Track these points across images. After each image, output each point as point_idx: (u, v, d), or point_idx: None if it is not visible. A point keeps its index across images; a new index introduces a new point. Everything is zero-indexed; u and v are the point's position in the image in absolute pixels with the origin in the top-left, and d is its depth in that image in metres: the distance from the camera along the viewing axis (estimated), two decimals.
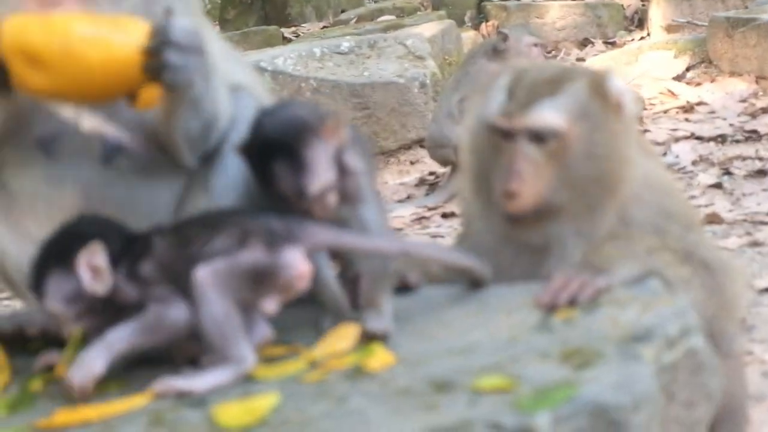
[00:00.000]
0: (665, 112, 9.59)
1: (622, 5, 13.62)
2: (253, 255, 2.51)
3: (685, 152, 8.17)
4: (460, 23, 13.23)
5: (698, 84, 10.15)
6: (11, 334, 2.90)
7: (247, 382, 2.48)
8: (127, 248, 2.59)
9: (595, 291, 2.64)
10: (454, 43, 10.73)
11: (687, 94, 9.87)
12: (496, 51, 8.44)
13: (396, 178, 8.99)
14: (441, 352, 2.50)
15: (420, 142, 9.08)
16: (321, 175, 2.66)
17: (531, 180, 2.84)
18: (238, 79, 3.08)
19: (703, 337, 2.51)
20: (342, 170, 2.72)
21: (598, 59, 11.09)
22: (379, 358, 2.50)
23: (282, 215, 2.59)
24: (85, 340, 2.57)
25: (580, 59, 11.89)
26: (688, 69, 10.46)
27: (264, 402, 2.37)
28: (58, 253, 2.58)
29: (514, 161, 2.84)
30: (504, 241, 2.97)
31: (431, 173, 8.90)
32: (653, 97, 9.92)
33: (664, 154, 8.08)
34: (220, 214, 2.66)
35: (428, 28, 10.74)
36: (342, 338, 2.60)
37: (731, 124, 8.85)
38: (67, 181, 2.93)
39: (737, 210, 6.77)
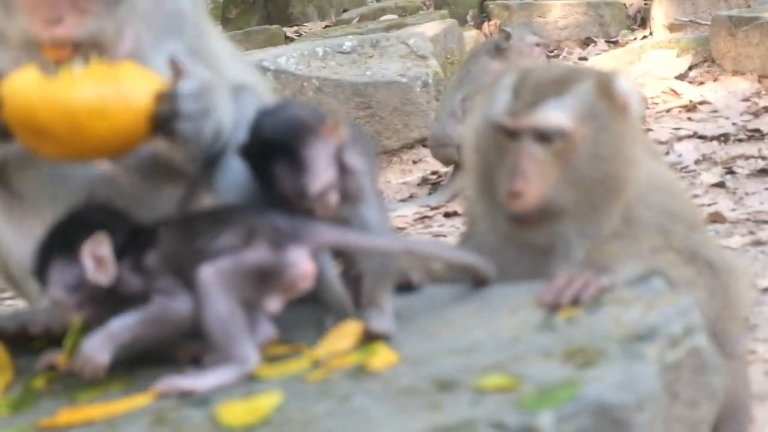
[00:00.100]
0: (668, 111, 9.59)
1: (625, 4, 13.62)
2: (258, 254, 2.51)
3: (687, 151, 8.16)
4: (463, 22, 13.22)
5: (701, 83, 10.15)
6: (14, 334, 2.90)
7: (250, 382, 2.48)
8: (133, 239, 2.59)
9: (599, 290, 2.64)
10: (457, 42, 10.72)
11: (690, 93, 9.87)
12: (498, 49, 8.44)
13: (398, 177, 8.99)
14: (444, 351, 2.49)
15: (422, 142, 9.08)
16: (321, 175, 2.66)
17: (535, 180, 2.83)
18: (241, 79, 3.08)
19: (706, 336, 2.51)
20: (342, 169, 2.72)
21: (600, 58, 11.09)
22: (382, 357, 2.50)
23: (288, 214, 2.59)
24: (85, 329, 2.56)
25: (583, 58, 11.90)
26: (690, 68, 10.45)
27: (267, 401, 2.37)
28: (63, 241, 2.59)
29: (519, 161, 2.84)
30: (507, 240, 2.96)
31: (434, 172, 8.90)
32: (656, 96, 9.92)
33: (667, 153, 8.08)
34: (227, 210, 2.66)
35: (431, 28, 10.74)
36: (344, 337, 2.60)
37: (734, 123, 8.85)
38: (71, 181, 2.93)
39: (740, 209, 6.77)
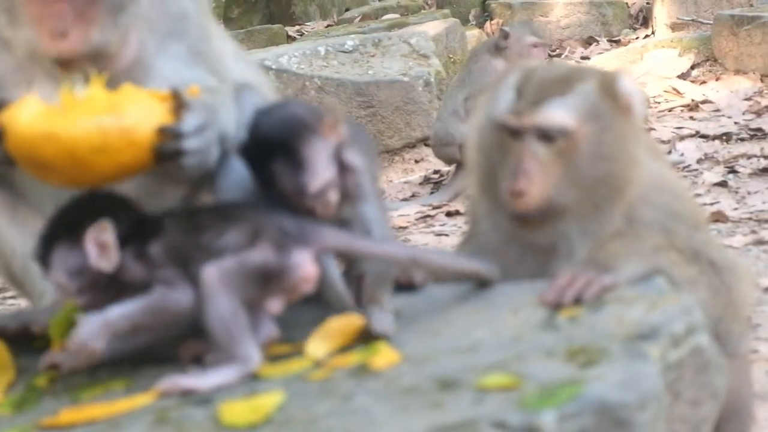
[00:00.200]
0: (670, 110, 9.59)
1: (627, 3, 13.61)
2: (261, 254, 2.51)
3: (690, 150, 8.17)
4: (465, 21, 13.22)
5: (703, 82, 10.15)
6: (16, 333, 2.90)
7: (252, 381, 2.48)
8: (138, 228, 2.60)
9: (601, 289, 2.63)
10: (459, 42, 10.73)
11: (692, 92, 9.87)
12: (498, 48, 8.45)
13: (400, 176, 8.99)
14: (446, 350, 2.49)
15: (424, 141, 9.09)
16: (320, 173, 2.65)
17: (538, 179, 2.83)
18: (244, 78, 3.08)
19: (708, 335, 2.51)
20: (342, 168, 2.72)
21: (602, 57, 11.09)
22: (385, 356, 2.49)
23: (295, 216, 2.59)
24: (76, 314, 2.55)
25: (585, 58, 11.89)
26: (692, 67, 10.45)
27: (269, 400, 2.37)
28: (67, 226, 2.59)
29: (522, 160, 2.84)
30: (510, 240, 2.96)
31: (436, 172, 8.90)
32: (658, 95, 9.93)
33: (669, 152, 8.08)
34: (234, 207, 2.66)
35: (433, 27, 10.74)
36: (339, 334, 2.60)
37: (736, 123, 8.85)
38: None
39: (742, 208, 6.77)
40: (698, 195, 6.98)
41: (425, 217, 7.62)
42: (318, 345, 2.57)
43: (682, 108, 9.60)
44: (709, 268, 2.91)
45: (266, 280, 2.52)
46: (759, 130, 8.56)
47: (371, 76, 9.17)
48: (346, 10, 15.15)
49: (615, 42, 12.63)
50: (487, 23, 13.35)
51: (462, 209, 7.27)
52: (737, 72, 10.16)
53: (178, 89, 2.68)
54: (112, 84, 2.70)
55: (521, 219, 2.87)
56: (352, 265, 2.82)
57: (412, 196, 8.54)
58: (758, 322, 4.85)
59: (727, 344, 2.88)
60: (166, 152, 2.63)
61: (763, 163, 7.68)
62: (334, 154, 2.70)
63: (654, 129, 8.69)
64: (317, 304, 2.70)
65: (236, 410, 2.35)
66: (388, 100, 9.07)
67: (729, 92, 9.72)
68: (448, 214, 7.64)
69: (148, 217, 2.64)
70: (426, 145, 9.05)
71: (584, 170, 2.86)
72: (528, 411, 2.15)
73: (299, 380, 2.47)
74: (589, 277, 2.65)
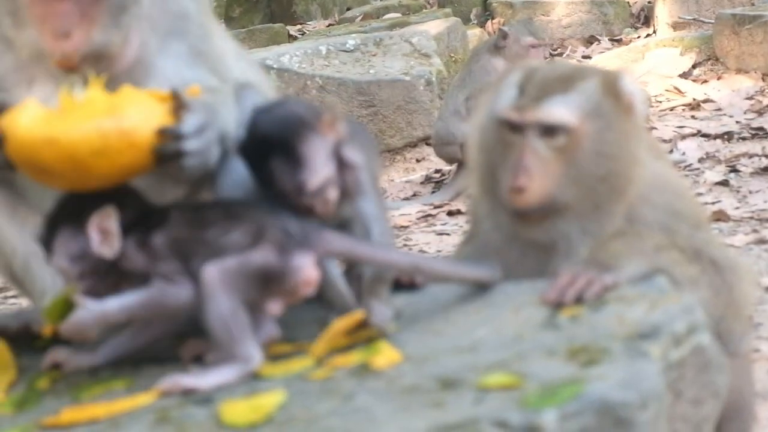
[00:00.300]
0: (671, 109, 9.59)
1: (629, 2, 13.61)
2: (263, 256, 2.51)
3: (691, 149, 8.17)
4: (466, 21, 13.22)
5: (704, 81, 10.14)
6: (17, 332, 2.91)
7: (253, 380, 2.48)
8: (143, 218, 2.60)
9: (602, 288, 2.63)
10: (460, 41, 10.73)
11: (693, 91, 9.87)
12: (497, 48, 8.46)
13: (402, 175, 8.99)
14: (447, 349, 2.49)
15: (426, 140, 9.09)
16: (319, 171, 2.65)
17: (539, 176, 2.83)
18: (246, 78, 3.08)
19: (710, 334, 2.51)
20: (341, 164, 2.72)
21: (604, 57, 11.09)
22: (386, 355, 2.49)
23: (300, 218, 2.59)
24: (72, 299, 2.55)
25: (586, 57, 11.89)
26: (694, 66, 10.45)
27: (270, 399, 2.37)
28: (72, 211, 2.60)
29: (523, 156, 2.84)
30: (511, 239, 2.96)
31: (437, 171, 8.90)
32: (659, 94, 9.92)
33: (671, 151, 8.07)
34: (241, 205, 2.65)
35: (434, 26, 10.74)
36: (341, 330, 2.60)
37: (738, 122, 8.85)
38: None
39: (744, 207, 6.77)
40: (700, 194, 6.97)
41: (427, 217, 7.62)
42: (325, 348, 2.57)
43: (683, 107, 9.60)
44: (711, 267, 2.91)
45: (267, 281, 2.52)
46: (760, 129, 8.55)
47: (373, 75, 9.16)
48: (348, 9, 15.15)
49: (616, 41, 12.62)
50: (489, 22, 13.34)
51: (463, 208, 7.27)
52: (739, 71, 10.16)
53: (178, 90, 2.68)
54: (114, 84, 2.70)
55: (520, 215, 2.87)
56: (352, 265, 2.82)
57: (414, 195, 8.54)
58: (760, 321, 4.85)
59: (728, 343, 2.88)
60: (166, 153, 2.62)
61: (765, 162, 7.68)
62: (332, 152, 2.70)
63: (655, 128, 8.68)
64: (318, 304, 2.70)
65: (237, 410, 2.35)
66: (389, 100, 9.07)
67: (730, 91, 9.72)
68: (450, 214, 7.64)
69: (154, 207, 2.65)
70: (427, 144, 9.05)
71: (585, 168, 2.86)
72: (529, 410, 2.15)
73: (300, 380, 2.47)
74: (590, 277, 2.65)
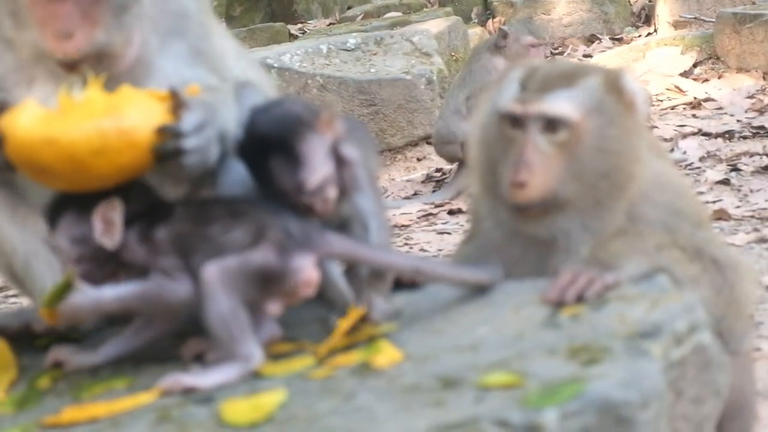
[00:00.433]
0: (672, 108, 9.58)
1: (629, 1, 13.60)
2: (263, 255, 2.51)
3: (692, 148, 8.17)
4: (467, 19, 13.21)
5: (705, 80, 10.14)
6: (18, 331, 2.91)
7: (253, 379, 2.48)
8: (149, 211, 2.61)
9: (603, 287, 2.63)
10: (461, 40, 10.72)
11: (694, 90, 9.87)
12: (497, 47, 8.47)
13: (403, 174, 8.99)
14: (448, 348, 2.49)
15: (427, 139, 9.09)
16: (319, 169, 2.65)
17: (540, 171, 2.83)
18: (246, 77, 3.08)
19: (711, 333, 2.51)
20: (339, 162, 2.72)
21: (605, 56, 11.08)
22: (386, 354, 2.49)
23: (303, 220, 2.59)
24: (71, 286, 2.56)
25: (587, 55, 11.89)
26: (695, 65, 10.45)
27: (271, 398, 2.37)
28: (81, 196, 2.61)
29: (524, 151, 2.83)
30: (512, 237, 2.96)
31: (438, 170, 8.90)
32: (660, 93, 9.92)
33: (672, 150, 8.08)
34: (244, 204, 2.65)
35: (435, 25, 10.74)
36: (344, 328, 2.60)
37: (738, 120, 8.85)
38: None
39: (745, 206, 6.77)
40: (701, 193, 6.97)
41: (427, 216, 7.62)
42: (330, 348, 2.57)
43: (684, 106, 9.60)
44: (712, 265, 2.91)
45: (267, 281, 2.51)
46: (761, 128, 8.55)
47: (373, 74, 9.16)
48: (349, 8, 15.15)
49: (617, 40, 12.62)
50: (489, 21, 13.34)
51: (464, 207, 7.27)
52: (740, 70, 10.15)
53: (177, 88, 2.68)
54: (114, 83, 2.69)
55: (521, 211, 2.87)
56: (352, 265, 2.82)
57: (415, 194, 8.54)
58: (761, 319, 4.85)
59: (729, 342, 2.88)
60: (165, 152, 2.62)
61: (766, 161, 7.68)
62: (331, 150, 2.70)
63: (656, 127, 8.68)
64: (318, 303, 2.70)
65: (238, 409, 2.35)
66: (390, 99, 9.06)
67: (731, 90, 9.71)
68: (451, 213, 7.64)
69: (160, 202, 2.66)
70: (428, 143, 9.05)
71: (587, 164, 2.86)
72: (530, 409, 2.15)
73: (301, 378, 2.47)
74: (591, 276, 2.65)
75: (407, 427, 2.17)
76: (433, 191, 8.46)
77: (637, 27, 13.26)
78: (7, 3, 2.78)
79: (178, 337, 2.65)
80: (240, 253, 2.52)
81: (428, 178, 8.84)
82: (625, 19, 13.31)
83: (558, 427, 2.12)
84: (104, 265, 2.59)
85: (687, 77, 10.21)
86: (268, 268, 2.51)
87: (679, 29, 12.00)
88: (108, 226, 2.58)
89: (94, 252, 2.59)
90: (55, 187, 2.66)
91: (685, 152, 8.08)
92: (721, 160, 7.85)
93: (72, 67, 2.74)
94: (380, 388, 2.36)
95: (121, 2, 2.77)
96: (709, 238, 3.01)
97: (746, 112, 9.11)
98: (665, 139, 8.36)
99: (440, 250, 6.65)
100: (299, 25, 14.29)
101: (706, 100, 9.61)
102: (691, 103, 9.61)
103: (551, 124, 2.85)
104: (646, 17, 13.42)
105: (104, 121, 2.58)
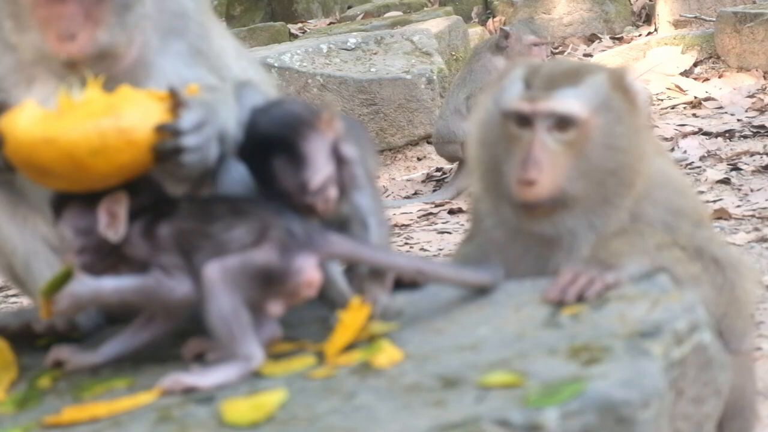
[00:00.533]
0: (673, 107, 9.59)
1: (630, 0, 13.60)
2: (265, 255, 2.51)
3: (692, 148, 8.17)
4: (467, 19, 13.21)
5: (706, 79, 10.14)
6: (18, 331, 2.90)
7: (254, 379, 2.48)
8: (154, 206, 2.61)
9: (604, 287, 2.63)
10: (461, 39, 10.72)
11: (695, 89, 9.87)
12: (498, 47, 8.47)
13: (403, 174, 8.99)
14: (449, 348, 2.49)
15: (427, 138, 9.09)
16: (321, 169, 2.65)
17: (549, 169, 2.82)
18: (246, 76, 3.08)
19: (711, 332, 2.51)
20: (339, 160, 2.72)
21: (605, 55, 11.08)
22: (387, 354, 2.49)
23: (305, 220, 2.59)
24: (69, 278, 2.56)
25: (588, 55, 11.89)
26: (695, 64, 10.45)
27: (271, 398, 2.37)
28: None
29: (533, 149, 2.82)
30: (514, 235, 2.96)
31: (438, 169, 8.91)
32: (661, 92, 9.92)
33: (672, 149, 8.08)
34: (247, 203, 2.65)
35: (435, 24, 10.74)
36: (349, 324, 2.59)
37: (739, 120, 8.85)
38: None
39: (745, 205, 6.77)
40: (701, 192, 6.98)
41: (428, 215, 7.62)
42: (338, 347, 2.57)
43: (684, 105, 9.60)
44: (713, 265, 2.91)
45: (268, 281, 2.51)
46: (762, 127, 8.55)
47: (374, 73, 9.16)
48: (349, 7, 15.14)
49: (618, 39, 12.62)
50: (490, 21, 13.34)
51: (464, 207, 7.27)
52: (740, 69, 10.15)
53: (176, 88, 2.67)
54: (114, 83, 2.69)
55: (528, 209, 2.86)
56: (353, 264, 2.82)
57: (415, 193, 8.54)
58: (761, 319, 4.85)
59: (730, 341, 2.88)
60: (165, 151, 2.62)
61: (766, 160, 7.68)
62: (331, 149, 2.70)
63: (657, 126, 8.68)
64: (319, 303, 2.70)
65: (239, 408, 2.35)
66: (390, 98, 9.06)
67: (732, 89, 9.71)
68: (451, 212, 7.64)
69: (166, 198, 2.66)
70: (428, 142, 9.05)
71: (594, 161, 2.86)
72: (531, 409, 2.15)
73: (302, 378, 2.47)
74: (591, 275, 2.65)
75: (408, 426, 2.17)
76: (434, 191, 8.47)
77: (638, 26, 13.26)
78: (8, 5, 2.78)
79: (178, 337, 2.65)
80: (242, 252, 2.52)
81: (428, 178, 8.84)
82: (625, 19, 13.31)
83: (558, 426, 2.12)
84: (105, 258, 2.59)
85: (687, 76, 10.21)
86: (269, 268, 2.51)
87: (679, 28, 12.00)
88: (112, 219, 2.58)
89: (96, 244, 2.59)
90: (55, 187, 2.66)
91: (685, 151, 8.08)
92: (721, 160, 7.85)
93: (75, 67, 2.74)
94: (381, 387, 2.36)
95: (124, 2, 2.77)
96: (709, 237, 3.01)
97: (746, 111, 9.12)
98: (666, 139, 8.36)
99: (440, 249, 6.65)
100: (299, 25, 14.29)
101: (707, 99, 9.61)
102: (691, 103, 9.62)
103: (560, 122, 2.84)
104: (646, 16, 13.42)
105: (103, 121, 2.58)
